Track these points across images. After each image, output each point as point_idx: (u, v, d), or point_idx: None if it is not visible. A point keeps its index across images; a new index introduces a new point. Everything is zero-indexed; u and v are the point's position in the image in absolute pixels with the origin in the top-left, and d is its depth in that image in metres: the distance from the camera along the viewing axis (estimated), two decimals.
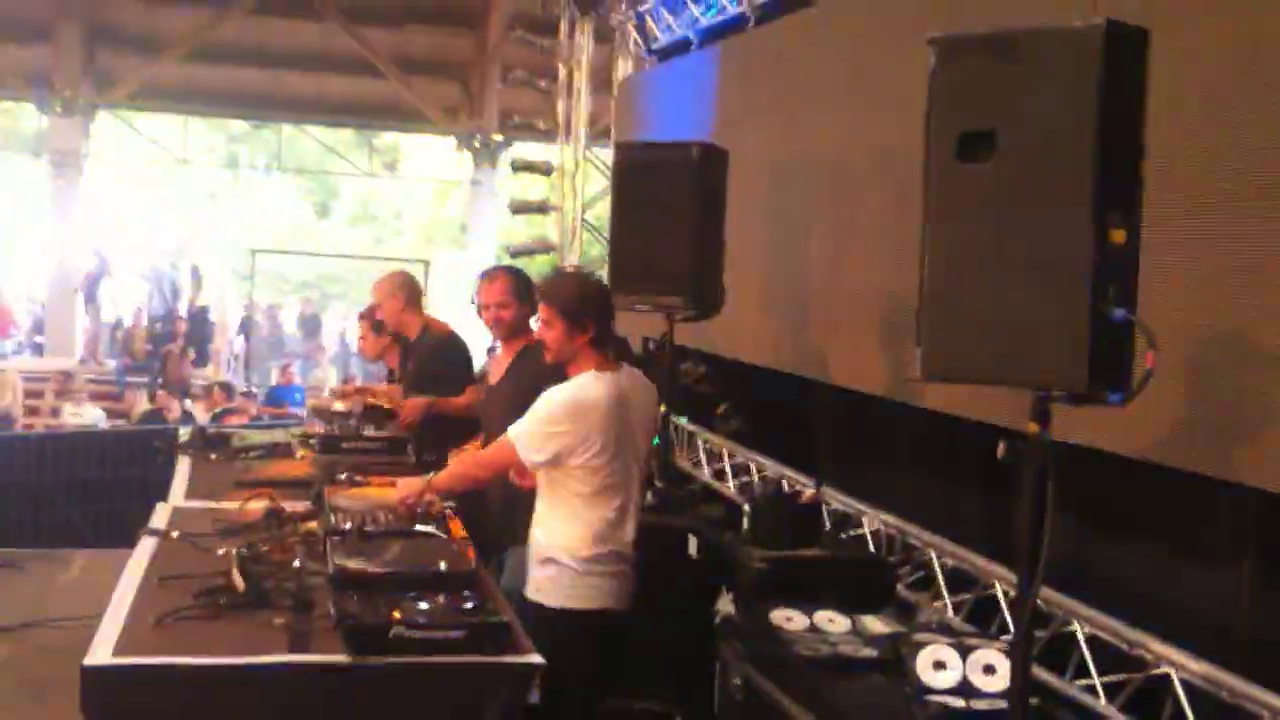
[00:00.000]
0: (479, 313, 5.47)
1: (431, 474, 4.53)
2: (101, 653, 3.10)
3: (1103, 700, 4.29)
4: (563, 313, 4.30)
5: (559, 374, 4.43)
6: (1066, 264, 2.85)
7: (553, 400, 4.25)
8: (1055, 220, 2.86)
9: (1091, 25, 2.82)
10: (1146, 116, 2.93)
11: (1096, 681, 4.33)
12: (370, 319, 7.04)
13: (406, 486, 4.43)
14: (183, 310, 19.50)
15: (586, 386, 4.28)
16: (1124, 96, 2.86)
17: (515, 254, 11.91)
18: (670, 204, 6.05)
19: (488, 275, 5.55)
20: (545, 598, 4.31)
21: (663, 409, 6.49)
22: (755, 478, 7.26)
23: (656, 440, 6.86)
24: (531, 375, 4.81)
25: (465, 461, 4.77)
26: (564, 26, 11.61)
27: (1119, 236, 2.85)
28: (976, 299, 2.99)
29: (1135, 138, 2.91)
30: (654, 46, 9.83)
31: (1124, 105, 2.87)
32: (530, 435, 4.22)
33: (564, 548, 4.29)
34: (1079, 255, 2.82)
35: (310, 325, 22.88)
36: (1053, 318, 2.87)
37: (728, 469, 7.63)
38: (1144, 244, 2.97)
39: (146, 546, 4.13)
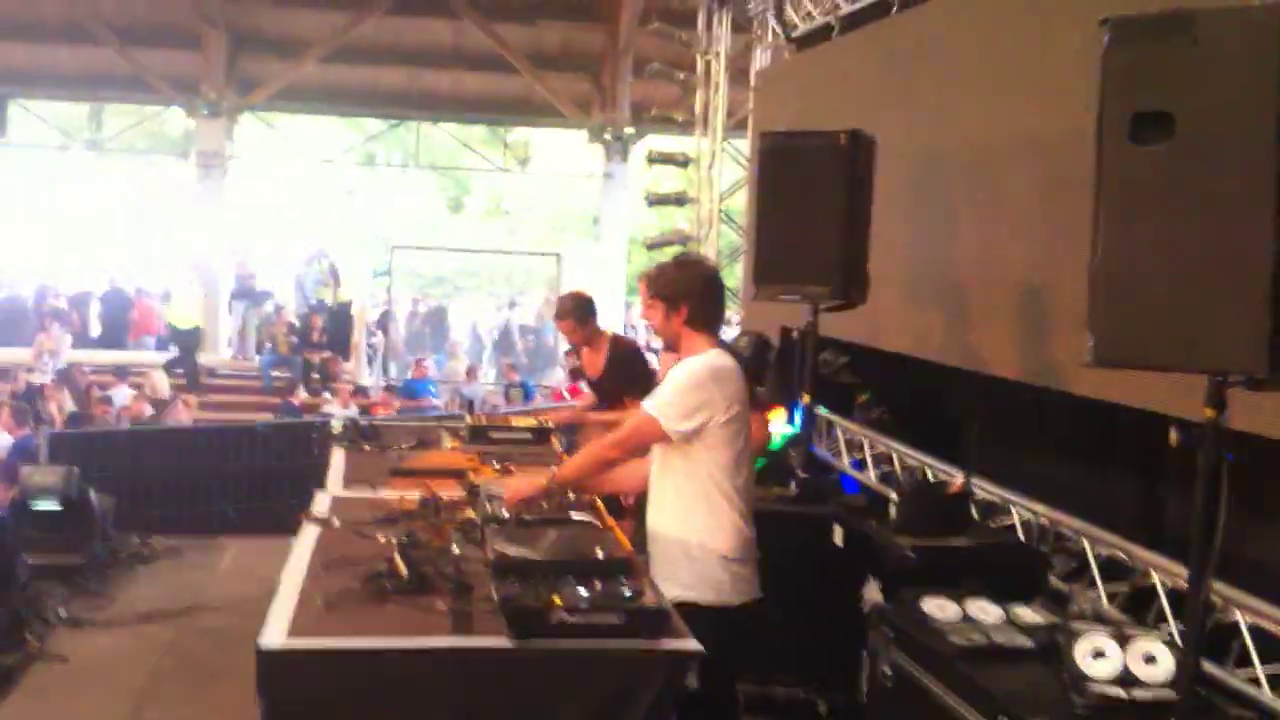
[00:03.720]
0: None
1: (553, 467, 4.48)
2: (276, 635, 3.17)
3: (1267, 691, 4.18)
4: (660, 296, 4.39)
5: None
6: (1246, 244, 2.78)
7: (692, 368, 4.27)
8: (1234, 201, 2.79)
9: (1272, 5, 2.74)
10: None
11: (1260, 672, 4.23)
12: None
13: (525, 484, 4.38)
14: (328, 305, 19.90)
15: (718, 357, 4.32)
16: None
17: (652, 247, 11.98)
18: (816, 192, 6.00)
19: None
20: (700, 595, 4.22)
21: (806, 398, 6.50)
22: (897, 467, 7.20)
23: (798, 429, 6.89)
24: None
25: (593, 446, 4.59)
26: (702, 17, 11.63)
27: None
28: (1151, 282, 2.92)
29: None
30: (793, 35, 9.74)
31: None
32: (675, 404, 4.22)
33: (714, 545, 4.26)
34: (1259, 236, 2.75)
35: (435, 319, 23.26)
36: (1231, 300, 2.80)
37: (868, 458, 7.58)
38: None
39: (310, 533, 4.23)
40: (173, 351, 18.67)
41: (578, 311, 7.18)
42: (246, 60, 20.84)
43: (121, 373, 16.31)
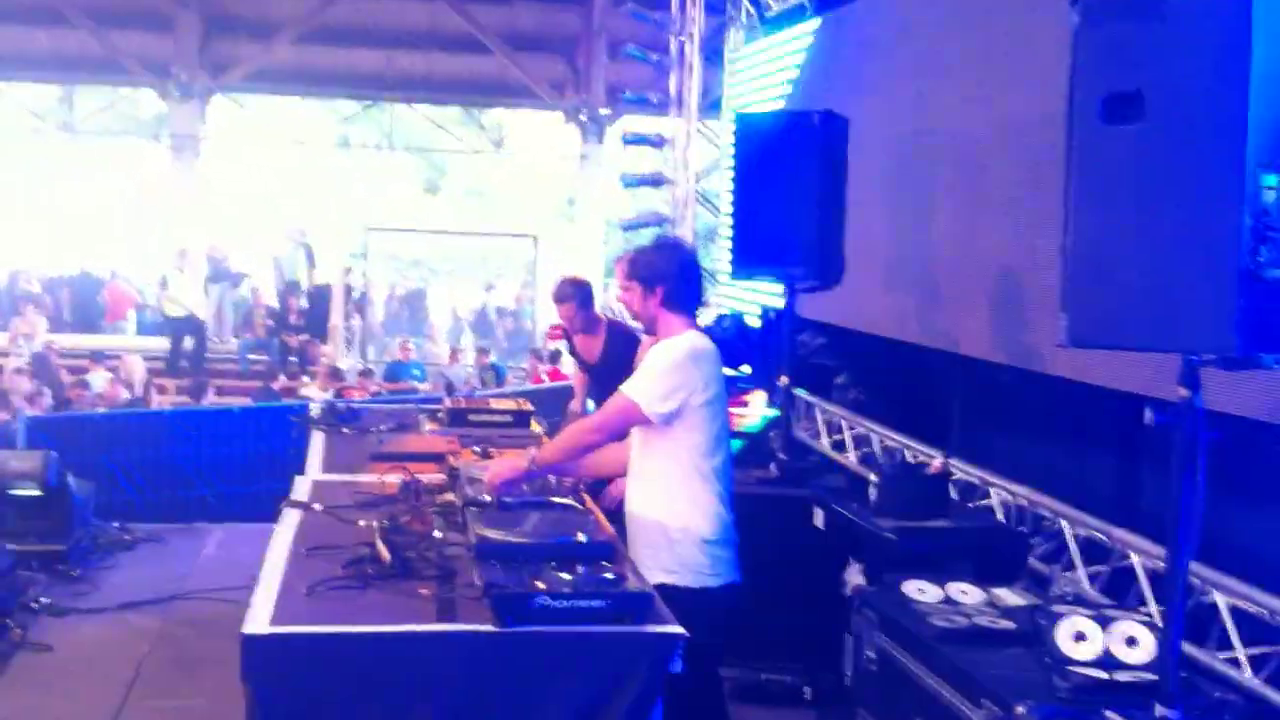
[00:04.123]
0: None
1: (532, 449, 4.46)
2: (260, 622, 3.16)
3: (1247, 672, 4.20)
4: (637, 278, 4.42)
5: None
6: (1217, 224, 2.78)
7: (670, 350, 4.28)
8: (1205, 180, 2.80)
9: None
10: None
11: (1240, 653, 4.25)
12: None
13: (505, 467, 4.35)
14: (303, 287, 19.79)
15: (696, 339, 4.34)
16: (1276, 54, 2.79)
17: (628, 228, 11.96)
18: (791, 173, 6.02)
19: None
20: (680, 578, 4.24)
21: (784, 380, 6.52)
22: (876, 449, 7.22)
23: (777, 411, 6.90)
24: None
25: (573, 430, 4.58)
26: None
27: (1271, 196, 2.78)
28: (1124, 262, 2.93)
29: None
30: (767, 16, 9.73)
31: (1276, 63, 2.79)
32: (653, 386, 4.23)
33: (694, 527, 4.28)
34: (1230, 215, 2.76)
35: (414, 301, 23.15)
36: (1203, 280, 2.81)
37: (847, 440, 7.59)
38: None
39: (291, 518, 4.22)
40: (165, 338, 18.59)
41: (578, 296, 7.14)
42: (219, 42, 20.72)
43: (97, 357, 16.20)
